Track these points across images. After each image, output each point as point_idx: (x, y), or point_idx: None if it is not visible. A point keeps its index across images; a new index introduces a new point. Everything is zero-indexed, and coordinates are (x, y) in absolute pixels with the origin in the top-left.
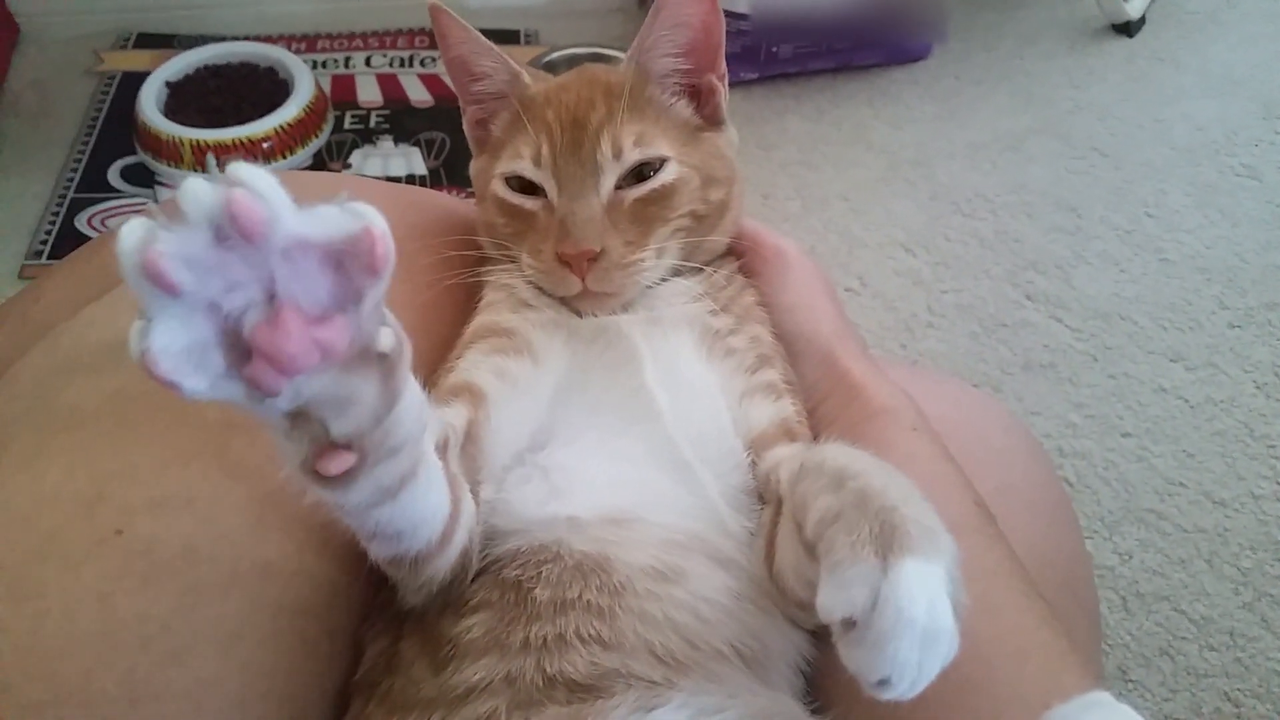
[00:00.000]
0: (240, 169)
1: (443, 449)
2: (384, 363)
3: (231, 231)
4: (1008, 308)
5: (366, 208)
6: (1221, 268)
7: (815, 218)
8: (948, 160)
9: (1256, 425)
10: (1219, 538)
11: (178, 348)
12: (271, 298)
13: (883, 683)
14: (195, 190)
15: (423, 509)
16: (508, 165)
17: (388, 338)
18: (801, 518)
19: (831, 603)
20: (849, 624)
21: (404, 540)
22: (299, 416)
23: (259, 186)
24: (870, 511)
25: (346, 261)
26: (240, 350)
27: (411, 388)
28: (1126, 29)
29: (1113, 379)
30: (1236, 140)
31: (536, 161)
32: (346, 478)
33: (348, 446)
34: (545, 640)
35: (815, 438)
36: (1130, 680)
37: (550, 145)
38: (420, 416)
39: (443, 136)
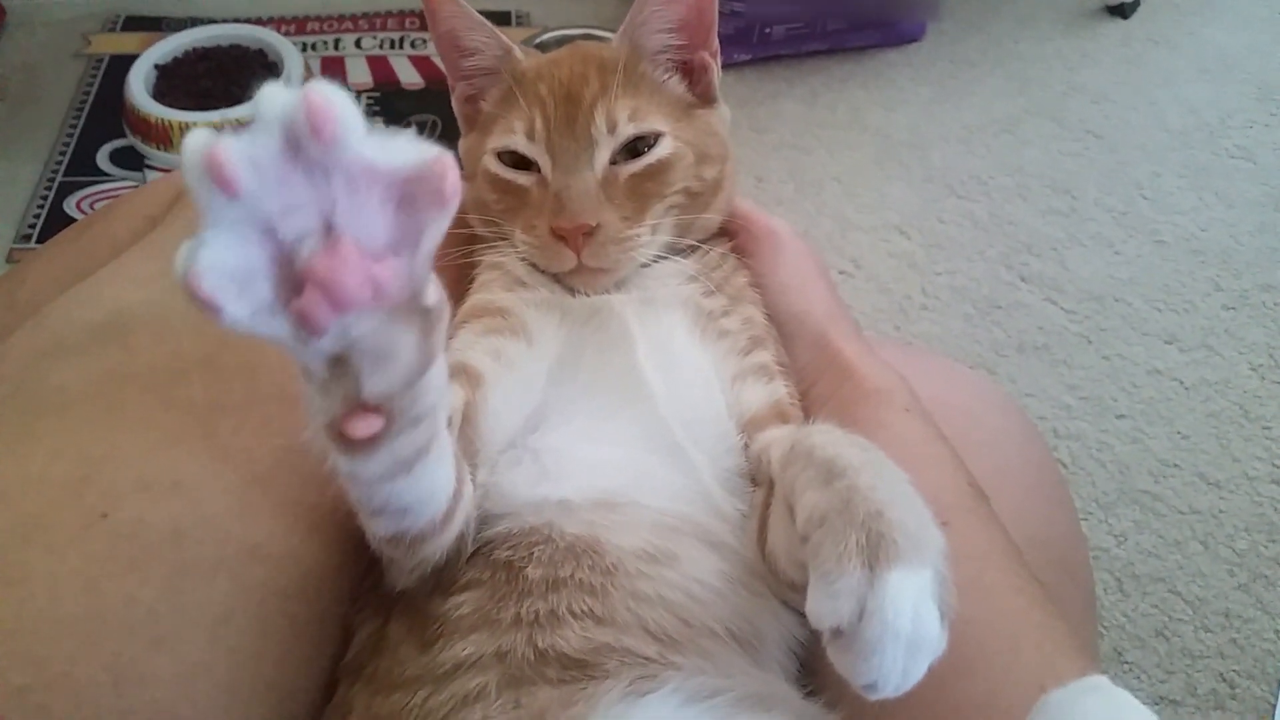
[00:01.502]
0: (319, 84)
1: (449, 426)
2: (426, 318)
3: (304, 132)
4: (1002, 290)
5: (434, 145)
6: (1216, 250)
7: (809, 200)
8: (942, 143)
9: (1251, 407)
10: (1214, 519)
11: (225, 267)
12: (329, 231)
13: (869, 686)
14: (272, 93)
15: (431, 485)
16: (500, 140)
17: (434, 292)
18: (792, 503)
19: (820, 612)
20: (837, 632)
21: (409, 516)
22: (338, 365)
23: (336, 99)
24: (857, 519)
25: (415, 192)
26: (289, 285)
27: (442, 355)
28: (1121, 11)
29: (1107, 361)
30: (1231, 123)
31: (530, 135)
32: (370, 444)
33: (376, 409)
34: (537, 615)
35: (808, 419)
36: (1126, 662)
37: (544, 119)
38: (442, 388)
39: (434, 118)
